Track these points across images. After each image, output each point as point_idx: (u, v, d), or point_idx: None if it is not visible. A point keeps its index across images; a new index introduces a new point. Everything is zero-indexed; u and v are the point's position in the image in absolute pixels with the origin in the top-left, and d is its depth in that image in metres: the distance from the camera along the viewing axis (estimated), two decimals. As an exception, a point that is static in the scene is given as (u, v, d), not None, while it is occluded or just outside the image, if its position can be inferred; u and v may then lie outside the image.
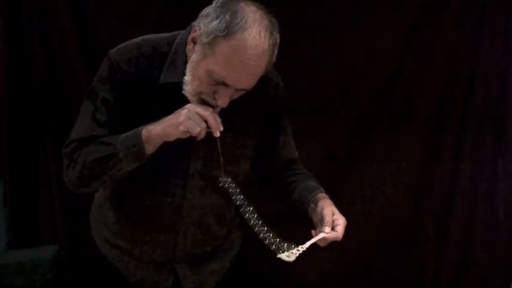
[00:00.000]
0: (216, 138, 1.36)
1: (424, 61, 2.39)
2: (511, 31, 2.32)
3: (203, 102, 1.36)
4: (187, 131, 1.33)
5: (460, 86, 2.38)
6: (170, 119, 1.35)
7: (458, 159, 2.42)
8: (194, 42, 1.35)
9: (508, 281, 2.38)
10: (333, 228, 1.39)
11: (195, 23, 1.36)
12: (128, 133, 1.39)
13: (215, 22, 1.29)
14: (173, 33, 1.46)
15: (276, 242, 1.37)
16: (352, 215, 2.43)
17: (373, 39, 2.36)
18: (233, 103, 1.39)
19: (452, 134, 2.42)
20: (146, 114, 1.39)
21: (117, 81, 1.43)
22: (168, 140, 1.37)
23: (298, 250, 1.35)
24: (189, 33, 1.38)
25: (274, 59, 1.36)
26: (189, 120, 1.32)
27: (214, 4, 1.34)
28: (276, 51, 1.35)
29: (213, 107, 1.36)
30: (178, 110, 1.35)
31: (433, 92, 2.41)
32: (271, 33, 1.31)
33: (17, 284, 2.29)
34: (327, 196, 1.50)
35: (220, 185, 1.43)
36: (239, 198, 1.43)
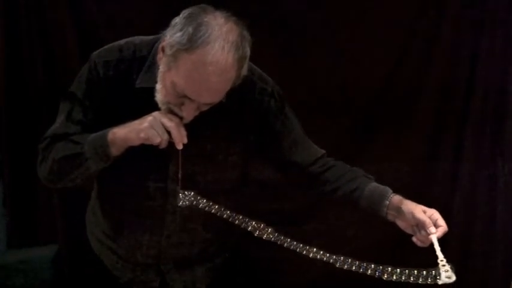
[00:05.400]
0: (178, 150, 1.34)
1: (424, 61, 2.38)
2: (511, 31, 2.32)
3: (172, 112, 1.35)
4: (148, 139, 1.32)
5: (460, 86, 2.38)
6: (134, 124, 1.35)
7: (458, 159, 2.41)
8: (163, 51, 1.33)
9: (508, 281, 2.38)
10: (435, 225, 1.39)
11: (165, 32, 1.34)
12: (96, 134, 1.39)
13: (178, 34, 1.27)
14: (156, 36, 1.45)
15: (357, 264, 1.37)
16: (352, 215, 2.42)
17: (373, 39, 2.36)
18: (215, 110, 1.38)
19: (452, 134, 2.41)
20: (122, 117, 1.39)
21: (94, 84, 1.44)
22: (131, 144, 1.36)
23: (444, 265, 1.32)
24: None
25: (244, 73, 1.34)
26: (151, 128, 1.31)
27: (181, 14, 1.32)
28: (246, 65, 1.33)
29: (181, 117, 1.34)
30: (145, 116, 1.34)
31: (433, 92, 2.41)
32: (237, 48, 1.28)
33: (17, 284, 2.29)
34: (400, 196, 1.48)
35: (180, 203, 1.40)
36: (213, 208, 1.40)
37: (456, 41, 2.36)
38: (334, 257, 1.39)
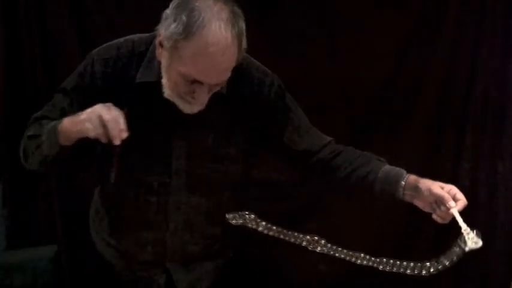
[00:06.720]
0: (115, 146, 1.29)
1: (424, 61, 2.39)
2: (511, 31, 2.32)
3: (184, 100, 1.36)
4: (83, 132, 1.30)
5: (460, 86, 2.38)
6: (77, 115, 1.33)
7: (458, 159, 2.41)
8: (161, 46, 1.35)
9: (508, 281, 2.37)
10: (454, 199, 1.38)
11: (159, 27, 1.35)
12: (59, 120, 1.39)
13: (173, 25, 1.29)
14: (153, 33, 1.45)
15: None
16: (352, 214, 2.43)
17: (373, 39, 2.36)
18: (215, 104, 1.39)
19: (452, 134, 2.41)
20: None
21: (84, 78, 1.46)
22: (73, 136, 1.34)
23: (468, 233, 1.33)
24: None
25: (244, 47, 1.35)
26: (87, 121, 1.29)
27: (171, 5, 1.33)
28: (244, 39, 1.34)
29: (125, 111, 1.33)
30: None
31: (433, 92, 2.41)
32: (233, 25, 1.29)
33: (17, 284, 2.29)
34: (415, 176, 1.47)
35: (233, 222, 1.42)
36: (263, 227, 1.41)
37: (456, 41, 2.36)
38: (378, 259, 1.41)
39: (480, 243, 1.31)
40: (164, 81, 1.37)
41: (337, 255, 1.40)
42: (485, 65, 2.34)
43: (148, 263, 1.59)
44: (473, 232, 1.33)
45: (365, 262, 1.39)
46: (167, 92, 1.37)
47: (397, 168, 1.51)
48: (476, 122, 2.38)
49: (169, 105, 1.40)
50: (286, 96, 1.57)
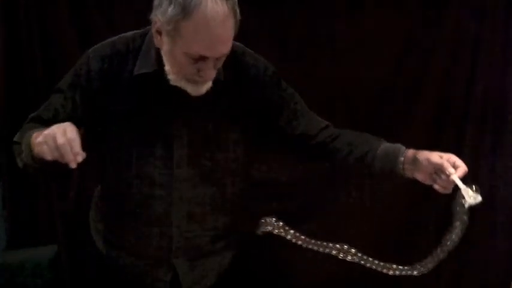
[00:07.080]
0: (72, 170, 1.25)
1: (424, 61, 2.39)
2: (511, 31, 2.33)
3: (191, 82, 1.38)
4: (40, 154, 1.27)
5: (460, 86, 2.38)
6: (39, 134, 1.30)
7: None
8: (159, 33, 1.37)
9: (508, 281, 2.38)
10: (453, 167, 1.38)
11: (152, 16, 1.38)
12: (37, 130, 1.37)
13: (170, 8, 1.32)
14: (147, 28, 1.49)
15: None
16: (352, 214, 2.43)
17: (373, 39, 2.36)
18: (213, 90, 1.42)
19: (452, 133, 2.42)
20: (120, 109, 1.44)
21: (80, 76, 1.48)
22: (41, 156, 1.30)
23: (467, 191, 1.33)
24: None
25: (239, 18, 1.37)
26: (44, 144, 1.26)
27: None
28: (238, 10, 1.36)
29: (82, 131, 1.32)
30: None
31: (433, 92, 2.41)
32: None
33: (17, 284, 2.29)
34: (413, 150, 1.48)
35: (261, 229, 1.42)
36: (289, 234, 1.42)
37: (456, 41, 2.36)
38: (412, 267, 1.41)
39: (479, 198, 1.31)
40: (167, 68, 1.40)
41: (368, 265, 1.40)
42: (485, 65, 2.35)
43: (153, 259, 1.58)
44: (472, 188, 1.31)
45: (397, 272, 1.38)
46: (173, 78, 1.40)
47: (395, 145, 1.52)
48: (476, 122, 2.38)
49: (169, 95, 1.43)
50: (282, 82, 1.60)
